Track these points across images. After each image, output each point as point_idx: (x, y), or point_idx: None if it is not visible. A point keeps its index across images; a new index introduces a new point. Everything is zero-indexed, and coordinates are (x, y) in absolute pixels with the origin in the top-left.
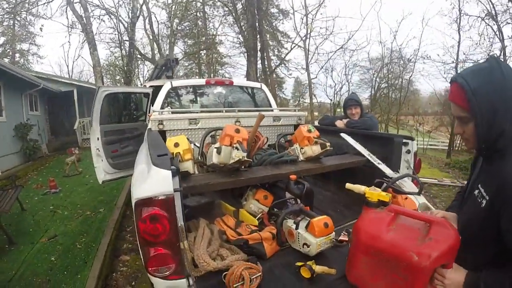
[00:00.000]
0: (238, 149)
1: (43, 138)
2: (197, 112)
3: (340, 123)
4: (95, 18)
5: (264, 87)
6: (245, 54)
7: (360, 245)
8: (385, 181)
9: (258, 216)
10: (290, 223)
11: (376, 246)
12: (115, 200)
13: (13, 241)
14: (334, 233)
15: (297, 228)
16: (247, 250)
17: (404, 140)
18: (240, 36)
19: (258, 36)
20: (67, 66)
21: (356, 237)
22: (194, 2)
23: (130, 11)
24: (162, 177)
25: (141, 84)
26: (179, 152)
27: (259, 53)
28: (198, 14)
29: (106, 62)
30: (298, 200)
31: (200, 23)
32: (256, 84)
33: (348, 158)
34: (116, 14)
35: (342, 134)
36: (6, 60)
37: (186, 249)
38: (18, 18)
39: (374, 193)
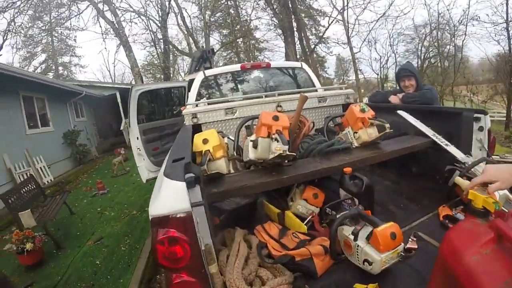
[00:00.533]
0: (277, 141)
1: (92, 142)
2: (233, 101)
3: (394, 99)
4: (126, 22)
5: (305, 66)
6: (282, 36)
7: (440, 261)
8: (458, 167)
9: (307, 220)
10: (347, 231)
11: (453, 267)
12: None
13: (61, 246)
14: (402, 243)
15: (356, 239)
16: (293, 268)
17: (476, 115)
18: (274, 18)
19: (292, 16)
20: (109, 71)
21: (441, 250)
22: None
23: (159, 9)
24: (175, 190)
25: (182, 80)
26: (209, 150)
27: (296, 34)
28: (229, 2)
29: (145, 62)
30: (356, 200)
31: (232, 11)
32: (296, 64)
33: (410, 141)
34: (145, 14)
35: (400, 112)
36: (50, 74)
37: (215, 274)
38: (55, 34)
39: (479, 196)
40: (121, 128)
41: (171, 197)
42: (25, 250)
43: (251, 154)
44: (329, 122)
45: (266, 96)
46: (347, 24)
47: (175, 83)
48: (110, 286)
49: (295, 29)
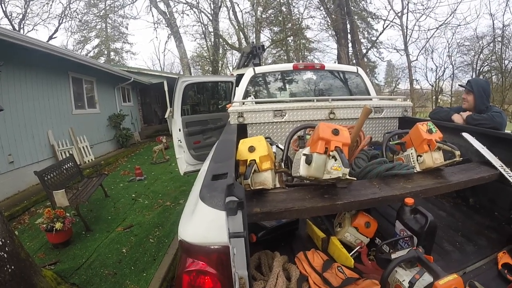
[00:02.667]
0: (335, 159)
1: (135, 127)
2: (283, 102)
3: (458, 118)
4: (178, 13)
5: (361, 71)
6: (335, 37)
7: None
8: None
9: (354, 251)
10: (401, 276)
11: None
12: None
13: (90, 228)
14: None
15: None
16: None
17: None
18: (327, 18)
19: (346, 17)
20: (158, 59)
21: None
22: None
23: (211, 2)
24: (212, 218)
25: (230, 74)
26: (255, 160)
27: (349, 36)
28: (281, 0)
29: (194, 53)
30: (415, 238)
31: (284, 9)
32: (352, 68)
33: (476, 171)
34: (197, 7)
35: (464, 134)
36: (102, 58)
37: None
38: (109, 21)
39: None
40: (166, 116)
41: (206, 225)
42: (54, 229)
43: (302, 170)
44: (388, 139)
45: (317, 101)
46: (405, 30)
47: (222, 77)
48: (133, 278)
49: (348, 31)
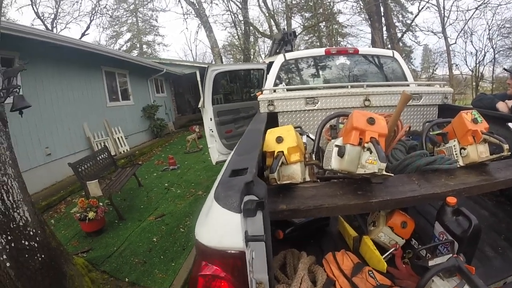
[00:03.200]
0: (371, 152)
1: (169, 117)
2: (315, 89)
3: (503, 106)
4: (207, 3)
5: (397, 55)
6: (368, 21)
7: None
8: None
9: (388, 253)
10: (438, 286)
11: None
12: None
13: (123, 217)
14: None
15: None
16: None
17: None
18: (359, 1)
19: None
20: (190, 50)
21: None
22: None
23: None
24: (226, 220)
25: (262, 62)
26: (283, 152)
27: (383, 20)
28: None
29: (226, 42)
30: (455, 244)
31: None
32: (387, 52)
33: None
34: None
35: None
36: (135, 51)
37: None
38: (140, 15)
39: None
40: (199, 105)
41: (220, 228)
42: (87, 218)
43: (334, 163)
44: (429, 129)
45: (352, 87)
46: (442, 11)
47: (253, 64)
48: (162, 267)
49: (382, 14)
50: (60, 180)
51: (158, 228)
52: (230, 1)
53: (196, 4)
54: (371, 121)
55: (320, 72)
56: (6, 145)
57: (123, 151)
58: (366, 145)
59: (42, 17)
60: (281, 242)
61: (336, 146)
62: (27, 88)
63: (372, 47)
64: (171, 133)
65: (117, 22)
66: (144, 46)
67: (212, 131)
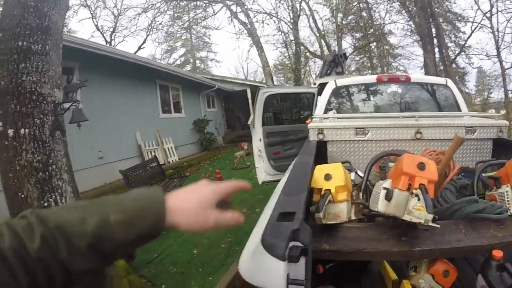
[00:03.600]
0: (419, 199)
1: (219, 131)
2: (366, 118)
3: None
4: (259, 23)
5: (451, 84)
6: (420, 42)
7: None
8: None
9: None
10: None
11: None
12: None
13: None
14: None
15: None
16: None
17: None
18: (410, 22)
19: (431, 20)
20: (242, 67)
21: None
22: None
23: (290, 11)
24: (269, 268)
25: (312, 81)
26: (330, 190)
27: (435, 41)
28: (361, 5)
29: (277, 61)
30: None
31: (364, 14)
32: (440, 80)
33: None
34: (277, 16)
35: None
36: (188, 66)
37: None
38: (193, 32)
39: None
40: (248, 122)
41: (262, 270)
42: None
43: (380, 205)
44: (482, 170)
45: (403, 117)
46: (496, 32)
47: (304, 88)
48: (199, 280)
49: (433, 35)
50: (109, 182)
51: (200, 241)
52: (281, 22)
53: (248, 24)
54: (421, 166)
55: (371, 99)
56: (63, 153)
57: (172, 161)
58: (414, 191)
59: (101, 30)
60: (320, 276)
61: (384, 188)
62: (86, 95)
63: (424, 70)
64: (220, 147)
65: (172, 37)
66: (197, 61)
67: (261, 152)
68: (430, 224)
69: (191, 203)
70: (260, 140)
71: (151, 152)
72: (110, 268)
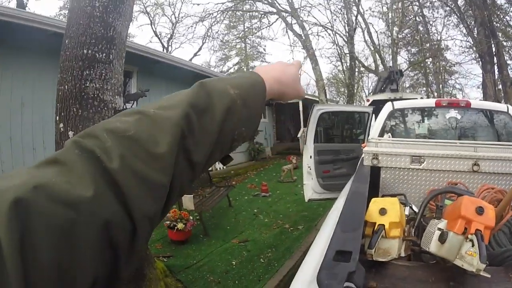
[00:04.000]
0: (473, 245)
1: (268, 142)
2: (422, 144)
3: None
4: (314, 36)
5: None
6: (479, 61)
7: None
8: None
9: None
10: None
11: None
12: (318, 220)
13: (208, 234)
14: None
15: None
16: None
17: None
18: (469, 38)
19: (491, 37)
20: None
21: None
22: (411, 7)
23: (346, 24)
24: None
25: (365, 96)
26: (384, 225)
27: (495, 59)
28: (417, 18)
29: (330, 75)
30: None
31: (421, 28)
32: (501, 107)
33: None
34: (332, 29)
35: None
36: None
37: None
38: (248, 41)
39: None
40: (298, 135)
41: None
42: (175, 227)
43: (433, 246)
44: None
45: (460, 144)
46: None
47: (358, 107)
48: None
49: (494, 53)
50: None
51: (239, 253)
52: (336, 34)
53: (303, 36)
54: (480, 211)
55: (428, 123)
56: None
57: (219, 168)
58: (470, 236)
59: (159, 36)
60: None
61: (439, 229)
62: (142, 100)
63: (483, 91)
64: (268, 158)
65: (227, 46)
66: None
67: (310, 169)
68: (481, 273)
69: (288, 78)
70: (310, 157)
71: None
72: (151, 270)
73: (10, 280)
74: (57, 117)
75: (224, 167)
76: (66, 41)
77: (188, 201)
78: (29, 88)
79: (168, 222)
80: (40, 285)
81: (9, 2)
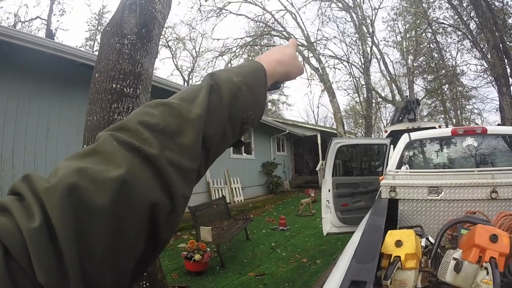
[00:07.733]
0: (488, 273)
1: (286, 175)
2: (439, 173)
3: None
4: (330, 68)
5: None
6: (494, 84)
7: None
8: None
9: None
10: None
11: None
12: (336, 254)
13: (225, 266)
14: None
15: None
16: None
17: None
18: (483, 61)
19: (505, 58)
20: (313, 111)
21: None
22: (424, 34)
23: (361, 56)
24: None
25: (383, 127)
26: (400, 257)
27: (510, 81)
28: (431, 45)
29: (348, 106)
30: None
31: (435, 55)
32: None
33: None
34: (348, 61)
35: None
36: None
37: None
38: None
39: None
40: (317, 168)
41: None
42: (193, 258)
43: (449, 276)
44: None
45: (478, 171)
46: None
47: (376, 140)
48: None
49: (509, 75)
50: None
51: (256, 286)
52: (352, 66)
53: (320, 69)
54: (494, 239)
55: (446, 153)
56: None
57: (238, 200)
58: (484, 264)
59: (180, 69)
60: None
61: (454, 259)
62: None
63: (500, 114)
64: (286, 192)
65: None
66: (269, 103)
67: (329, 202)
68: None
69: (288, 58)
70: (329, 190)
71: (218, 190)
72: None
73: (67, 268)
74: (84, 145)
75: (243, 199)
76: (96, 75)
77: (206, 233)
78: (55, 114)
79: (185, 252)
80: (94, 273)
81: (38, 31)
